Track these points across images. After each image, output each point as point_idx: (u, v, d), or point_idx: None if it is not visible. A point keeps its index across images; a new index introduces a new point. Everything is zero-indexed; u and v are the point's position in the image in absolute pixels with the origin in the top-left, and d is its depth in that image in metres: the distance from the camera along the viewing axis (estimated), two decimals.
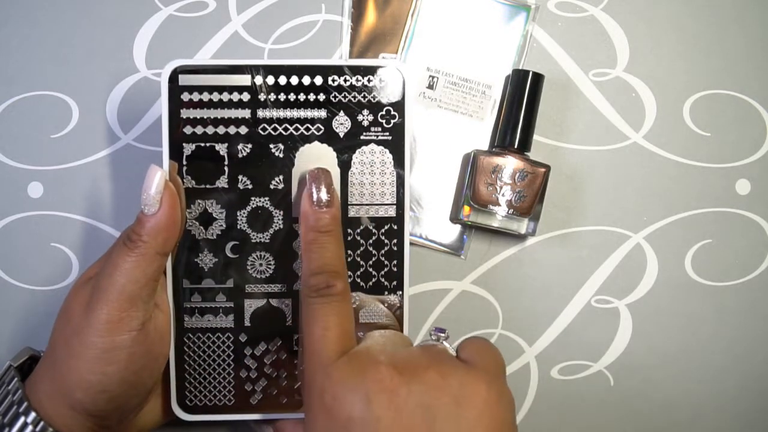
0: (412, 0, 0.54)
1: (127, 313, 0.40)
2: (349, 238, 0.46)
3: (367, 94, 0.45)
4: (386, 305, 0.46)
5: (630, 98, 0.55)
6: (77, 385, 0.40)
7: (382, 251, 0.46)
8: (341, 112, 0.45)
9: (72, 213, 0.54)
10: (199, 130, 0.45)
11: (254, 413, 0.47)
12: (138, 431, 0.46)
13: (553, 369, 0.55)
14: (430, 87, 0.54)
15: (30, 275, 0.54)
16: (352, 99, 0.45)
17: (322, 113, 0.45)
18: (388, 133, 0.46)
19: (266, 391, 0.46)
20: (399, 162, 0.46)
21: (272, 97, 0.45)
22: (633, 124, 0.55)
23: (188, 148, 0.45)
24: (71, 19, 0.54)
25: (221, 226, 0.46)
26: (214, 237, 0.46)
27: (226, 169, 0.45)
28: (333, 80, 0.45)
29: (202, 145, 0.45)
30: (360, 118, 0.45)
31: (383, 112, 0.45)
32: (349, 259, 0.46)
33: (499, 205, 0.51)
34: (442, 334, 0.42)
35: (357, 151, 0.46)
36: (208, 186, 0.45)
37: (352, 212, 0.46)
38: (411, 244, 0.54)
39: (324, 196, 0.43)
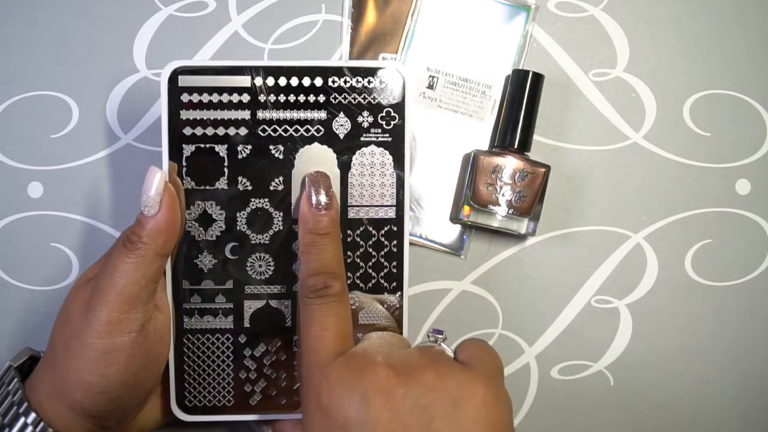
0: (412, 0, 0.54)
1: (126, 315, 0.40)
2: (348, 240, 0.46)
3: (367, 96, 0.45)
4: (385, 306, 0.46)
5: (630, 98, 0.55)
6: (77, 386, 0.40)
7: (382, 252, 0.46)
8: (341, 113, 0.45)
9: (72, 213, 0.54)
10: (198, 131, 0.45)
11: (253, 414, 0.47)
12: (138, 431, 0.46)
13: (553, 369, 0.55)
14: (430, 87, 0.54)
15: (30, 275, 0.54)
16: (352, 100, 0.45)
17: (322, 114, 0.45)
18: (388, 135, 0.46)
19: (265, 392, 0.46)
20: (399, 163, 0.46)
21: (272, 98, 0.45)
22: (633, 124, 0.55)
23: (188, 149, 0.45)
24: (71, 19, 0.54)
25: (221, 227, 0.46)
26: (214, 238, 0.46)
27: (225, 170, 0.45)
28: (333, 81, 0.45)
29: (202, 146, 0.45)
30: (360, 119, 0.45)
31: (383, 114, 0.45)
32: (348, 261, 0.46)
33: (499, 205, 0.51)
34: (440, 336, 0.42)
35: (357, 153, 0.46)
36: (207, 187, 0.45)
37: (351, 213, 0.46)
38: (411, 244, 0.54)
39: (323, 198, 0.43)
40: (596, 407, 0.55)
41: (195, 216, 0.45)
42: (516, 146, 0.52)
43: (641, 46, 0.55)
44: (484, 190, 0.51)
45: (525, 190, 0.51)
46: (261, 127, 0.45)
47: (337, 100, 0.45)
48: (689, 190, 0.55)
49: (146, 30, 0.54)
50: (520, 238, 0.55)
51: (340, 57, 0.55)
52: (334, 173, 0.46)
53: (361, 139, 0.46)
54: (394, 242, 0.46)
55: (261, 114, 0.45)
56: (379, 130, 0.46)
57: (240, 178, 0.45)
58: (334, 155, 0.46)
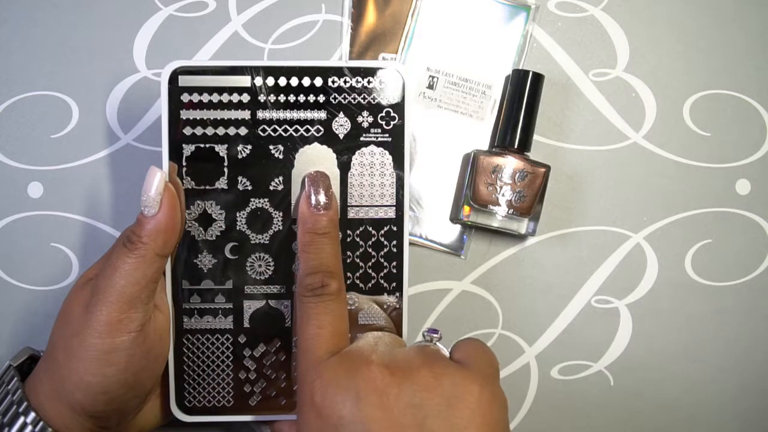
0: (412, 0, 0.54)
1: (126, 315, 0.40)
2: (348, 240, 0.46)
3: (366, 96, 0.45)
4: (384, 307, 0.46)
5: (630, 98, 0.55)
6: (77, 386, 0.40)
7: (382, 253, 0.46)
8: (341, 113, 0.45)
9: (72, 213, 0.54)
10: (198, 131, 0.45)
11: (253, 414, 0.47)
12: (138, 431, 0.46)
13: (553, 369, 0.55)
14: (430, 87, 0.54)
15: (30, 275, 0.54)
16: (352, 100, 0.45)
17: (322, 114, 0.45)
18: (387, 135, 0.46)
19: (265, 393, 0.46)
20: (398, 163, 0.46)
21: (272, 98, 0.45)
22: (633, 124, 0.55)
23: (188, 149, 0.45)
24: (71, 19, 0.54)
25: (221, 227, 0.46)
26: (214, 238, 0.46)
27: (225, 170, 0.45)
28: (333, 81, 0.45)
29: (202, 146, 0.45)
30: (360, 119, 0.45)
31: (383, 114, 0.45)
32: (348, 261, 0.46)
33: (499, 205, 0.51)
34: (435, 335, 0.42)
35: (357, 153, 0.46)
36: (207, 187, 0.45)
37: (351, 213, 0.46)
38: (411, 244, 0.54)
39: (322, 198, 0.43)
40: (596, 407, 0.55)
41: (195, 216, 0.45)
42: (516, 146, 0.52)
43: (641, 46, 0.55)
44: (484, 190, 0.51)
45: (525, 190, 0.51)
46: (261, 127, 0.45)
47: (336, 100, 0.45)
48: (689, 190, 0.55)
49: (146, 30, 0.54)
50: (520, 238, 0.55)
51: (340, 57, 0.55)
52: (334, 173, 0.46)
53: (361, 139, 0.46)
54: (394, 242, 0.46)
55: (261, 114, 0.45)
56: (379, 130, 0.46)
57: (240, 178, 0.45)
58: (334, 155, 0.46)
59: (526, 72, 0.52)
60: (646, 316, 0.55)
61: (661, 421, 0.55)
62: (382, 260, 0.46)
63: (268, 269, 0.46)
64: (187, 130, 0.45)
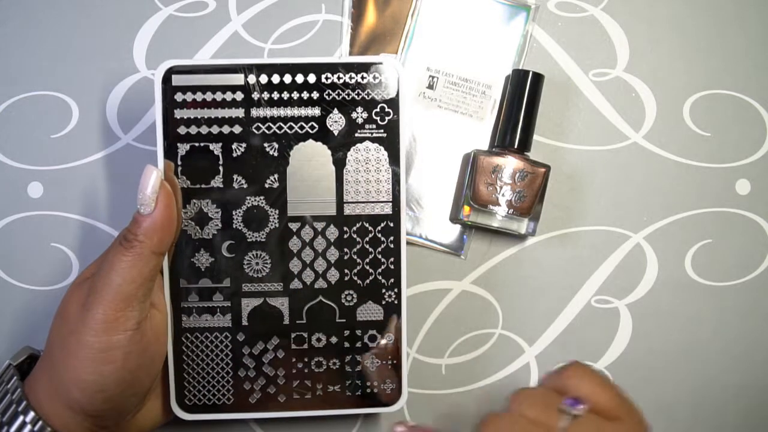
0: (412, 0, 0.54)
1: (123, 313, 0.40)
2: (345, 236, 0.46)
3: (360, 92, 0.45)
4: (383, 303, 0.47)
5: (630, 98, 0.55)
6: (74, 384, 0.40)
7: (379, 249, 0.46)
8: (335, 109, 0.45)
9: (72, 213, 0.54)
10: (193, 129, 0.45)
11: (253, 412, 0.47)
12: (138, 431, 0.46)
13: (553, 369, 0.55)
14: (430, 87, 0.54)
15: (30, 275, 0.54)
16: (346, 96, 0.45)
17: (316, 111, 0.45)
18: (382, 131, 0.46)
19: (265, 390, 0.46)
20: (394, 159, 0.46)
21: (266, 95, 0.45)
22: (633, 124, 0.55)
23: (183, 148, 0.45)
24: (71, 19, 0.54)
25: (217, 225, 0.46)
26: (210, 236, 0.46)
27: (220, 168, 0.45)
28: (326, 78, 0.45)
29: (197, 144, 0.45)
30: (354, 115, 0.45)
31: (377, 109, 0.45)
32: (345, 257, 0.46)
33: (499, 205, 0.51)
34: (582, 407, 0.38)
35: (352, 149, 0.46)
36: (203, 186, 0.45)
37: (347, 210, 0.46)
38: (411, 244, 0.54)
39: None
40: None
41: (191, 215, 0.45)
42: (516, 146, 0.52)
43: (641, 46, 0.55)
44: (484, 190, 0.51)
45: (525, 190, 0.51)
46: (255, 125, 0.45)
47: (330, 97, 0.45)
48: (689, 190, 0.55)
49: (146, 30, 0.54)
50: (520, 238, 0.55)
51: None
52: (329, 170, 0.46)
53: (356, 135, 0.46)
54: (391, 238, 0.46)
55: (255, 112, 0.45)
56: (374, 126, 0.46)
57: (235, 176, 0.45)
58: (329, 152, 0.46)
59: (526, 72, 0.52)
60: (646, 316, 0.55)
61: (661, 421, 0.55)
62: (380, 256, 0.46)
63: (265, 267, 0.46)
64: (182, 129, 0.45)
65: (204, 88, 0.45)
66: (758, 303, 0.55)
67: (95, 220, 0.54)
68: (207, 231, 0.46)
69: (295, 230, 0.46)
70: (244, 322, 0.46)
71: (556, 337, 0.55)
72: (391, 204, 0.46)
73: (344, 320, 0.47)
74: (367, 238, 0.46)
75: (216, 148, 0.45)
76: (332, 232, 0.46)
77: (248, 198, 0.46)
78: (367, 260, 0.46)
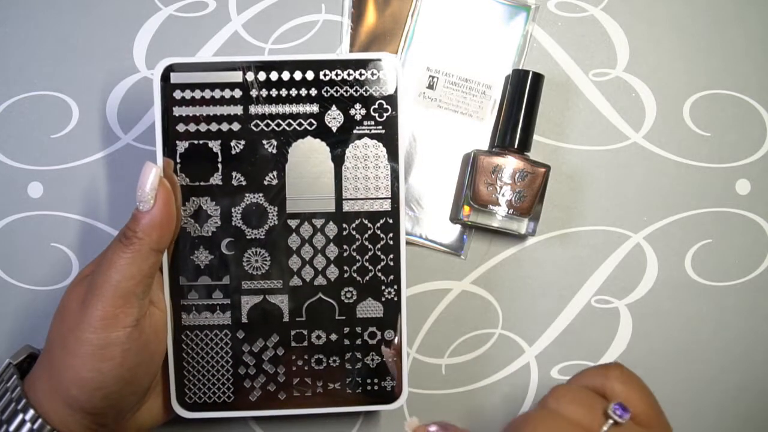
0: (412, 0, 0.54)
1: (121, 310, 0.40)
2: (344, 233, 0.46)
3: (359, 88, 0.45)
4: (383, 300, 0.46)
5: (630, 98, 0.55)
6: (73, 382, 0.40)
7: (378, 245, 0.46)
8: (333, 106, 0.45)
9: (72, 213, 0.54)
10: (191, 127, 0.45)
11: (253, 410, 0.47)
12: (137, 430, 0.46)
13: (553, 369, 0.55)
14: (430, 87, 0.54)
15: (30, 275, 0.54)
16: (344, 93, 0.45)
17: (315, 108, 0.45)
18: (381, 127, 0.46)
19: (265, 388, 0.46)
20: (393, 155, 0.46)
21: (264, 93, 0.45)
22: (633, 124, 0.55)
23: (181, 146, 0.45)
24: (71, 18, 0.54)
25: (216, 223, 0.46)
26: (210, 234, 0.46)
27: (219, 166, 0.45)
28: (324, 75, 0.45)
29: (195, 142, 0.45)
30: (352, 112, 0.45)
31: (376, 106, 0.45)
32: (345, 254, 0.46)
33: (499, 205, 0.51)
34: (627, 414, 0.37)
35: (350, 146, 0.46)
36: (202, 183, 0.45)
37: (346, 207, 0.46)
38: (411, 244, 0.54)
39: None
40: None
41: (190, 212, 0.45)
42: (516, 146, 0.52)
43: (641, 46, 0.55)
44: (484, 190, 0.51)
45: (525, 190, 0.51)
46: (254, 122, 0.45)
47: (329, 94, 0.45)
48: (689, 190, 0.55)
49: (146, 30, 0.54)
50: (520, 238, 0.55)
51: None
52: (328, 166, 0.46)
53: (354, 131, 0.46)
54: (390, 235, 0.46)
55: (253, 109, 0.45)
56: (372, 123, 0.46)
57: (234, 174, 0.45)
58: (328, 148, 0.46)
59: (526, 72, 0.52)
60: (646, 316, 0.55)
61: None
62: (379, 253, 0.46)
63: (265, 264, 0.46)
64: (180, 127, 0.45)
65: (202, 86, 0.45)
66: (758, 303, 0.55)
67: (95, 220, 0.54)
68: (206, 228, 0.46)
69: (294, 227, 0.46)
70: (244, 320, 0.46)
71: (556, 337, 0.55)
72: (390, 201, 0.46)
73: (344, 317, 0.47)
74: (366, 235, 0.46)
75: (215, 145, 0.45)
76: (331, 229, 0.46)
77: (247, 195, 0.46)
78: (367, 257, 0.46)
